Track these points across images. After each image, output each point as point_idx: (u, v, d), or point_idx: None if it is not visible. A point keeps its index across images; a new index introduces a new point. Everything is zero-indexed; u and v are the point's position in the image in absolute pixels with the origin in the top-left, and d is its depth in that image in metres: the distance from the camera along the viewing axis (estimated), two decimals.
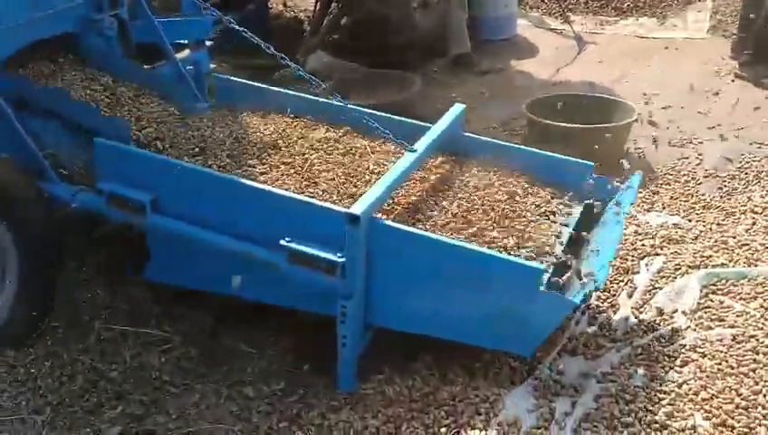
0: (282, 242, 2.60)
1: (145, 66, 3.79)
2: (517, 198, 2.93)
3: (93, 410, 2.64)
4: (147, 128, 3.16)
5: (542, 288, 2.43)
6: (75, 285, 3.15)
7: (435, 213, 2.77)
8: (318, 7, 6.25)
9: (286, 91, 3.57)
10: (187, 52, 4.16)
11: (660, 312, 2.93)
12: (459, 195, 2.91)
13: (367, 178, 2.90)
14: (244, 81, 3.65)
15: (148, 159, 2.91)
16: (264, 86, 3.62)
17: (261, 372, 2.83)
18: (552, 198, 3.02)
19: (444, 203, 2.83)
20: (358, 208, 2.47)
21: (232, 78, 3.70)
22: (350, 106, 3.08)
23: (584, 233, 2.88)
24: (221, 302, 3.05)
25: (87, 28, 3.46)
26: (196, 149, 3.06)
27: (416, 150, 2.88)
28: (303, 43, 6.11)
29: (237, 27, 3.12)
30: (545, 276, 2.52)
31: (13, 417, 2.58)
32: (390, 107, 3.83)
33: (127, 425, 2.56)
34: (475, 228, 2.68)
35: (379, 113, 3.22)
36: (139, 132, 3.10)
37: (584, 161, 3.15)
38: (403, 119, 3.25)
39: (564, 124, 4.26)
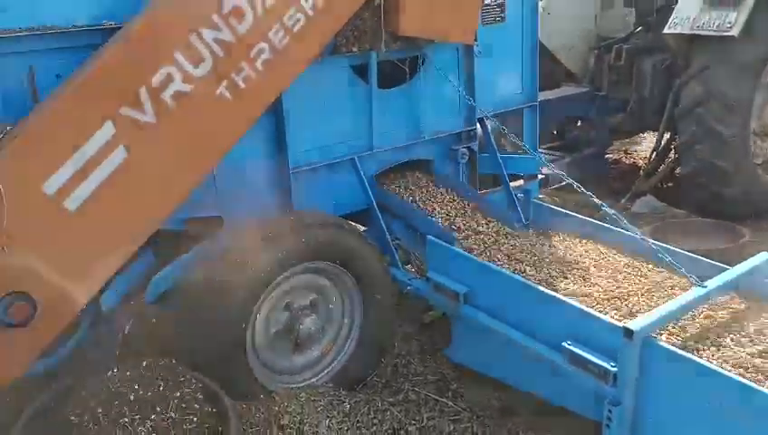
0: (564, 344, 3.01)
1: (483, 190, 4.58)
2: None
3: None
4: (471, 237, 3.89)
5: None
6: (397, 353, 3.91)
7: (718, 344, 2.91)
8: (654, 155, 6.58)
9: (594, 221, 3.99)
10: (520, 182, 4.87)
11: None
12: (749, 334, 2.98)
13: (652, 303, 3.18)
14: (559, 209, 4.21)
15: (467, 260, 3.59)
16: (576, 215, 4.12)
17: None
18: None
19: (728, 339, 2.94)
20: (634, 325, 2.79)
21: (552, 206, 4.28)
22: (648, 239, 3.42)
23: None
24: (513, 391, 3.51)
25: (445, 155, 4.38)
26: (508, 258, 3.67)
27: (706, 286, 3.08)
28: (634, 186, 6.46)
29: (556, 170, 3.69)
30: None
31: None
32: (713, 255, 3.93)
33: None
34: (753, 366, 2.76)
35: (677, 250, 3.48)
36: (464, 240, 3.84)
37: None
38: (701, 258, 3.44)
39: None
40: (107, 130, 2.84)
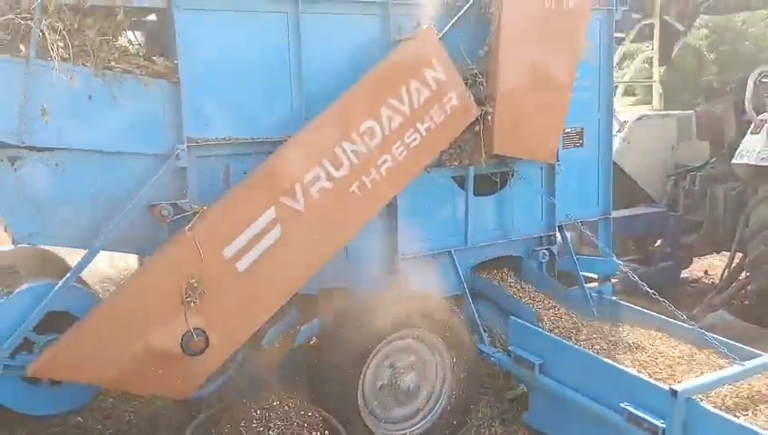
0: (622, 404, 3.62)
1: (561, 286, 5.29)
2: None
3: None
4: (549, 323, 4.60)
5: None
6: (481, 417, 4.57)
7: (752, 409, 3.46)
8: (726, 273, 7.07)
9: (658, 315, 4.61)
10: (595, 284, 5.54)
11: None
12: None
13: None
14: (628, 304, 4.86)
15: (542, 335, 4.29)
16: (642, 309, 4.76)
17: None
18: None
19: (762, 406, 3.49)
20: (679, 387, 3.40)
21: (619, 301, 4.94)
22: (702, 331, 4.04)
23: None
24: None
25: (529, 255, 5.17)
26: (580, 339, 4.35)
27: (744, 365, 3.66)
28: (707, 300, 6.93)
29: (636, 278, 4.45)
30: None
31: None
32: None
33: None
34: None
35: (726, 340, 4.06)
36: (543, 324, 4.56)
37: None
38: (746, 347, 4.00)
39: None
40: (270, 214, 3.82)
